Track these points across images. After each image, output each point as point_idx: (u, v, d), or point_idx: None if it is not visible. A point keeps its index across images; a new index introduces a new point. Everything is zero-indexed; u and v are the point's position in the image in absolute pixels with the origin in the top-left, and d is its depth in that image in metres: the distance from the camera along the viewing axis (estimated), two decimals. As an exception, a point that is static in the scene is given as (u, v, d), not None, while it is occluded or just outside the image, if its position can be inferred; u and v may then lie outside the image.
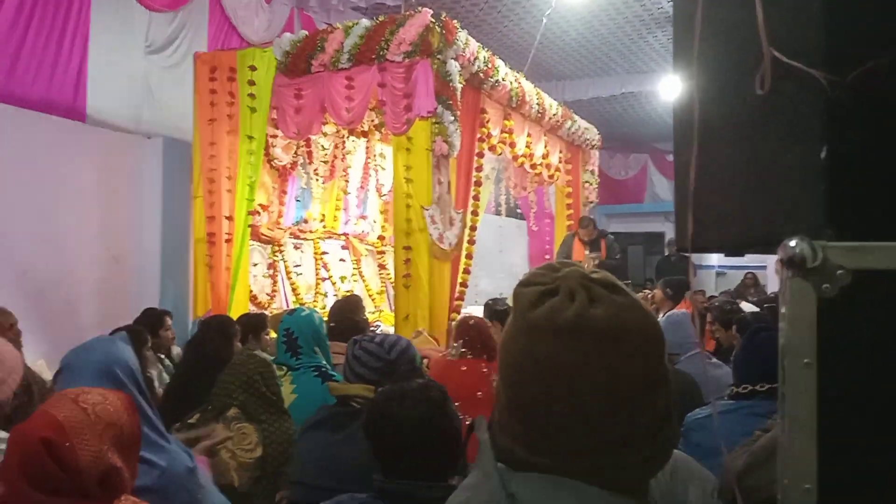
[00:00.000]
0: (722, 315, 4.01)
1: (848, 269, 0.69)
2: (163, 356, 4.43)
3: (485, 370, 3.04)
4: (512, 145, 6.36)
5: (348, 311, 3.83)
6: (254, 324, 3.93)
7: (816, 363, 0.69)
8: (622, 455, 0.77)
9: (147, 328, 4.26)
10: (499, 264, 10.10)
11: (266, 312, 5.38)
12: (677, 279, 5.75)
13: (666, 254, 11.92)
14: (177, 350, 4.56)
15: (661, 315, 4.22)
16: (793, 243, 0.70)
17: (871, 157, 0.75)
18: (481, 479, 0.81)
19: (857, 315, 0.69)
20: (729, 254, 1.00)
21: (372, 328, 5.46)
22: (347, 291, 7.62)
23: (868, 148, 0.75)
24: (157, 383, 3.97)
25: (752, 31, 0.81)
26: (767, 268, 10.78)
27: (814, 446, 0.68)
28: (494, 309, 4.41)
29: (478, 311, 6.02)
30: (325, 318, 3.49)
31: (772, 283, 10.36)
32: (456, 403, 1.92)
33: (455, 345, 3.19)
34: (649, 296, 6.14)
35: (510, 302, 0.87)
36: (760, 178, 0.85)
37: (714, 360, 3.10)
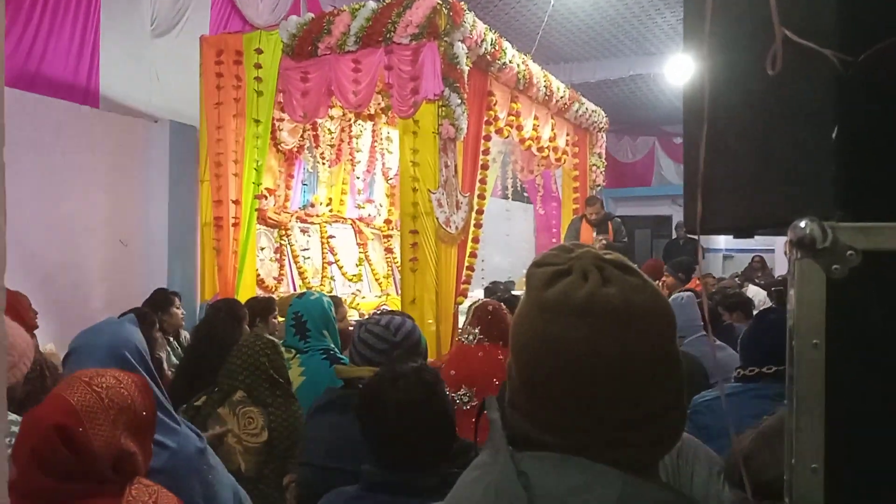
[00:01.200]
0: (724, 300, 4.06)
1: (858, 250, 0.69)
2: (171, 338, 4.46)
3: (500, 357, 3.03)
4: (519, 128, 6.34)
5: None
6: (262, 307, 3.95)
7: (825, 344, 0.69)
8: (633, 434, 0.78)
9: (157, 308, 4.30)
10: (506, 248, 10.10)
11: (274, 296, 5.40)
12: (683, 261, 5.77)
13: (674, 237, 11.90)
14: (185, 334, 4.59)
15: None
16: (803, 224, 0.70)
17: (883, 138, 0.74)
18: (492, 458, 0.82)
19: (867, 296, 0.69)
20: (738, 235, 0.99)
21: (378, 311, 5.49)
22: (355, 276, 7.64)
23: (880, 128, 0.74)
24: (165, 365, 4.00)
25: (764, 10, 0.80)
26: (775, 250, 10.75)
27: (821, 427, 0.68)
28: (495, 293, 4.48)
29: (482, 294, 6.01)
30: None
31: (779, 266, 10.34)
32: (472, 389, 1.92)
33: (474, 331, 3.17)
34: (661, 283, 6.16)
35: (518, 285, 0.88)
36: (771, 159, 0.85)
37: (719, 342, 3.10)
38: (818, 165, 0.75)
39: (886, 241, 0.69)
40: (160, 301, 4.46)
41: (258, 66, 5.45)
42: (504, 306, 3.30)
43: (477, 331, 3.13)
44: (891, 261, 0.69)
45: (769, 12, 0.80)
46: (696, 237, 0.97)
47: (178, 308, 4.53)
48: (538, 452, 0.79)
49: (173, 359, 4.24)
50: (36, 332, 3.64)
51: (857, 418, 0.69)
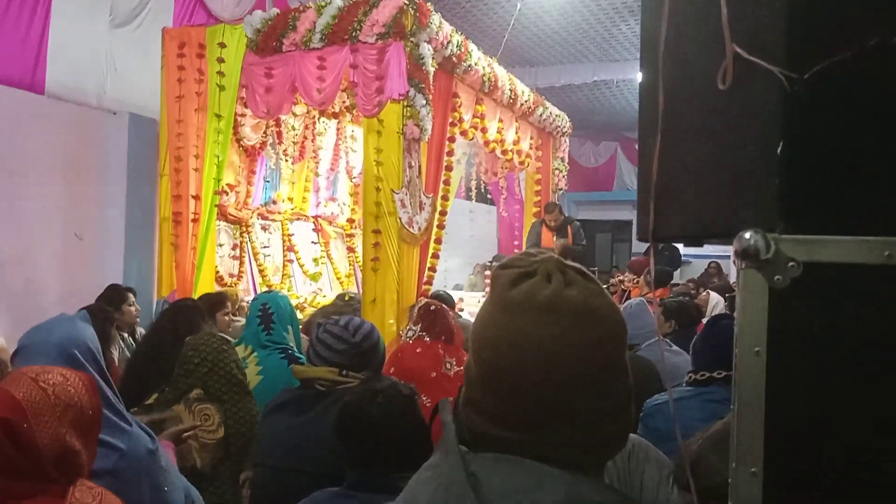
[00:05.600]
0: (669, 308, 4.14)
1: (799, 262, 0.71)
2: (126, 335, 4.37)
3: (441, 352, 3.05)
4: (483, 130, 6.36)
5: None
6: (212, 302, 3.89)
7: (766, 352, 0.71)
8: (586, 433, 0.81)
9: (110, 304, 4.20)
10: (468, 249, 10.14)
11: (225, 291, 5.32)
12: (659, 270, 5.94)
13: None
14: (140, 330, 4.50)
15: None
16: (747, 235, 0.72)
17: (826, 153, 0.76)
18: (443, 459, 0.84)
19: (807, 306, 0.71)
20: (688, 244, 1.02)
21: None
22: (316, 273, 7.59)
23: (823, 144, 0.77)
24: (117, 363, 3.92)
25: (718, 24, 0.83)
26: (731, 257, 10.99)
27: (761, 432, 0.70)
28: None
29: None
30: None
31: (735, 272, 10.56)
32: (411, 384, 1.97)
33: (415, 328, 3.18)
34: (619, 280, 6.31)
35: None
36: (721, 171, 0.87)
37: (674, 347, 3.15)
38: (764, 178, 0.77)
39: (826, 254, 0.71)
40: (113, 297, 4.36)
41: (221, 61, 5.37)
42: (447, 307, 3.33)
43: (418, 328, 3.15)
44: (830, 272, 0.71)
45: (721, 26, 0.82)
46: (674, 245, 0.99)
47: (131, 305, 4.44)
48: (487, 454, 0.81)
49: (127, 354, 4.15)
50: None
51: (795, 425, 0.71)
